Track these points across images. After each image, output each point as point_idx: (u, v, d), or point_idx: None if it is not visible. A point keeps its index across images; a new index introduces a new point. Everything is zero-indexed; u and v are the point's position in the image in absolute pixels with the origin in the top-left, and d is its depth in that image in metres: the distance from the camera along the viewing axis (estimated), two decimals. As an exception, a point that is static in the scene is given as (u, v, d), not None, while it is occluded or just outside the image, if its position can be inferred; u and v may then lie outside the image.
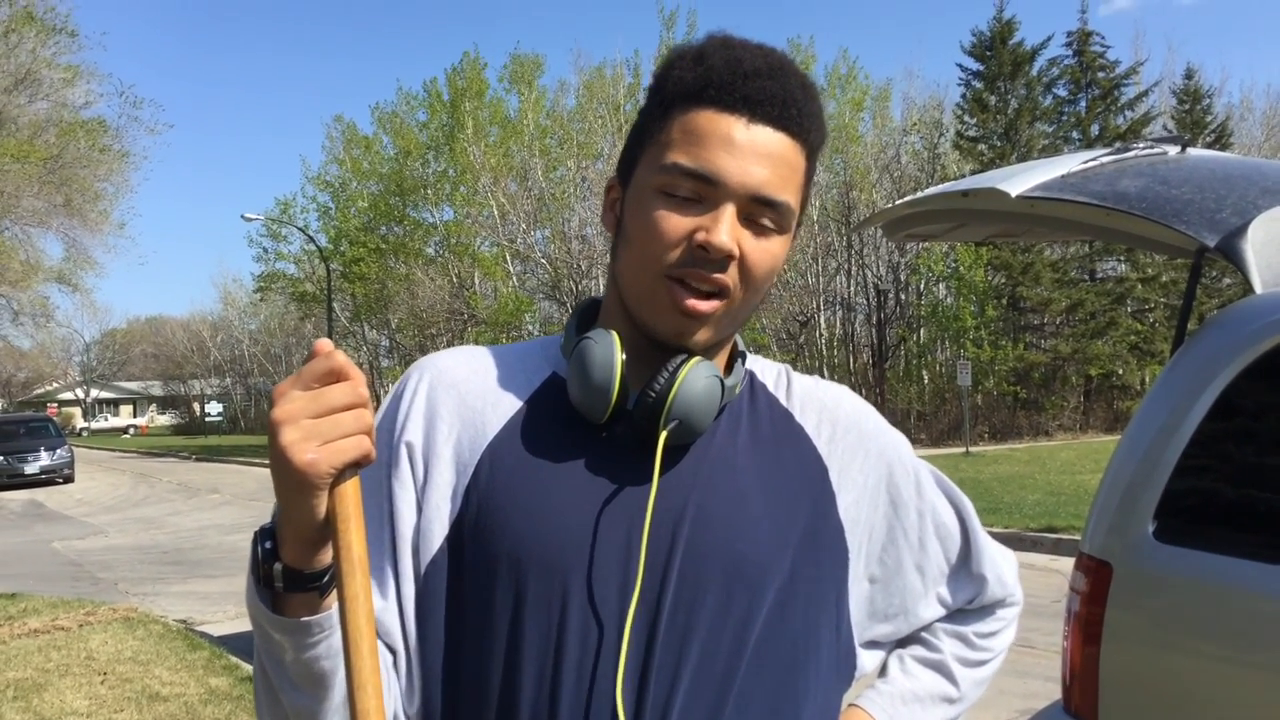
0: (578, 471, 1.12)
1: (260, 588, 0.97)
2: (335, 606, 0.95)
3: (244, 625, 9.07)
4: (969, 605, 1.34)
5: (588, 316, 1.25)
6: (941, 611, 1.31)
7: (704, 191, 1.08)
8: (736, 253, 1.08)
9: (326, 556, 0.94)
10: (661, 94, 1.14)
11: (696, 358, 1.12)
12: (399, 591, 1.11)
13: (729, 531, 1.11)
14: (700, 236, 1.07)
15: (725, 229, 1.07)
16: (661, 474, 1.11)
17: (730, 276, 1.09)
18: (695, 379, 1.10)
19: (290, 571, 0.94)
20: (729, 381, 1.16)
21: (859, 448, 1.23)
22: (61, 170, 25.71)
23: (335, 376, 0.89)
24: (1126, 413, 27.93)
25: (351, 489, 0.91)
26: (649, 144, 1.14)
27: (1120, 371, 29.48)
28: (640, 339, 1.15)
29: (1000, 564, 1.35)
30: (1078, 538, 2.78)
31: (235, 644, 8.13)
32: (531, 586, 1.08)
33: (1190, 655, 2.64)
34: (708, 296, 1.10)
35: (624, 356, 1.11)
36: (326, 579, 0.95)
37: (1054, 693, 2.97)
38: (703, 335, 1.12)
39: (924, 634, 1.33)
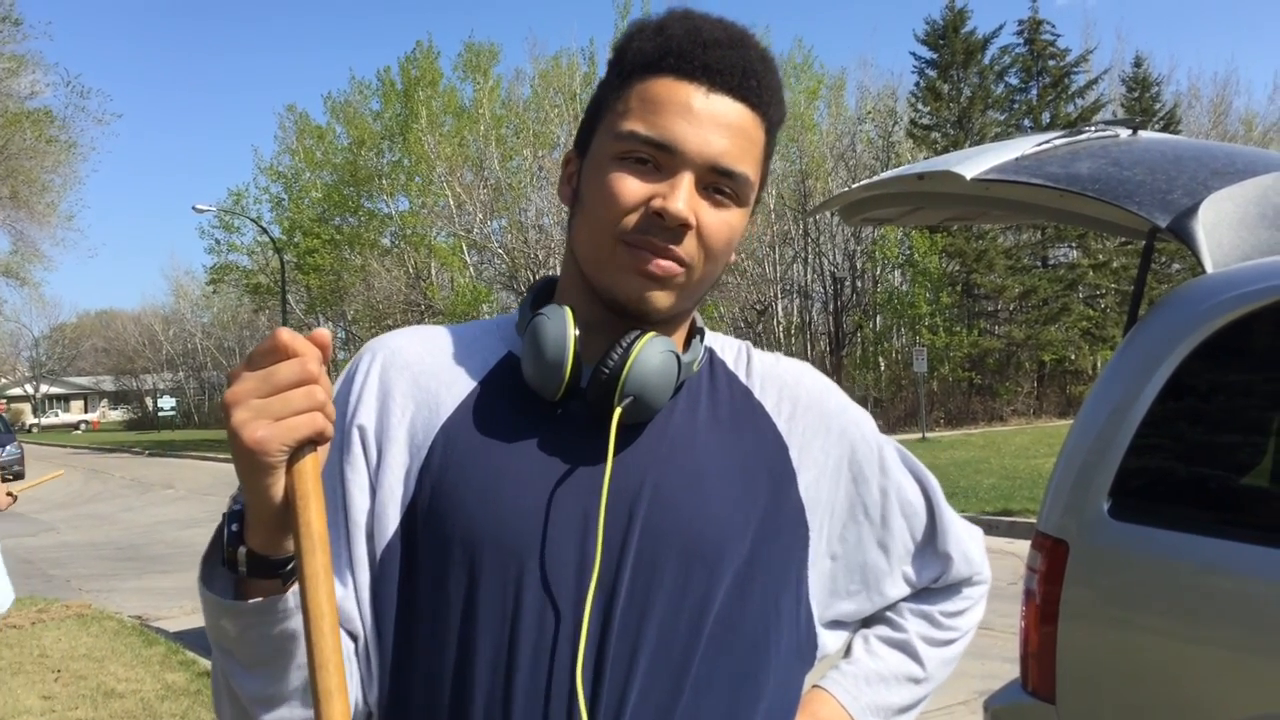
0: (533, 451, 1.10)
1: (221, 570, 0.95)
2: (296, 588, 0.93)
3: (200, 621, 8.90)
4: (935, 584, 1.32)
5: (543, 294, 1.22)
6: (907, 590, 1.30)
7: (662, 159, 1.07)
8: (693, 221, 1.07)
9: (291, 543, 0.92)
10: (621, 64, 1.13)
11: (651, 333, 1.10)
12: (354, 578, 1.09)
13: (687, 510, 1.09)
14: (657, 204, 1.06)
15: (682, 197, 1.06)
16: (618, 452, 1.09)
17: (687, 248, 1.08)
18: (650, 354, 1.08)
19: (255, 557, 0.93)
20: (686, 358, 1.14)
21: (820, 426, 1.21)
22: (6, 162, 25.29)
23: (283, 354, 0.88)
24: (1079, 397, 28.29)
25: (310, 466, 0.89)
26: (607, 113, 1.12)
27: (1073, 357, 29.89)
28: (597, 311, 1.13)
29: (966, 542, 1.33)
30: (1033, 520, 2.81)
31: (191, 639, 8.03)
32: (486, 568, 1.06)
33: (1146, 631, 2.67)
34: (667, 261, 1.08)
35: (577, 332, 1.09)
36: (290, 566, 0.93)
37: (1013, 673, 3.00)
38: (663, 300, 1.10)
39: (889, 614, 1.32)
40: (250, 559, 0.93)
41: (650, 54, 1.10)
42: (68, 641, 7.74)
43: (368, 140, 38.06)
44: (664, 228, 1.06)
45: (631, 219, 1.07)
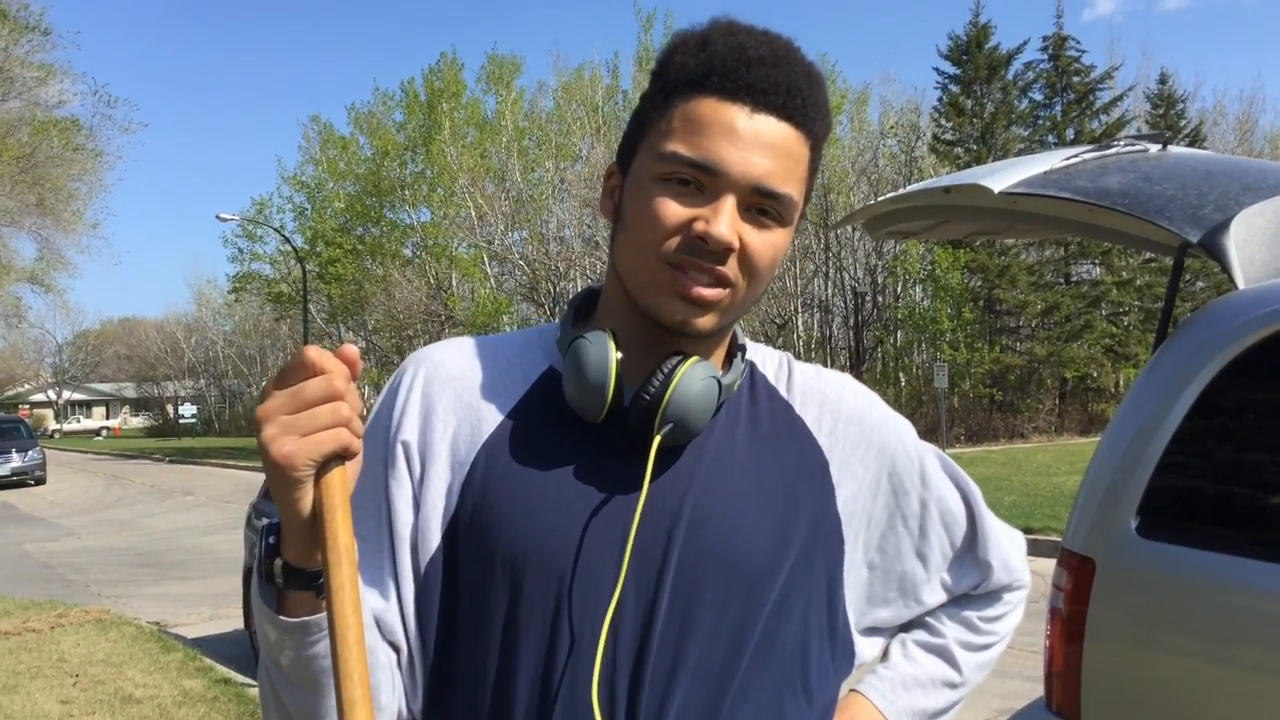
0: (574, 471, 1.11)
1: (264, 584, 0.97)
2: None
3: (218, 628, 9.01)
4: (974, 590, 1.32)
5: (586, 308, 1.23)
6: (945, 597, 1.30)
7: (704, 181, 1.06)
8: (736, 245, 1.06)
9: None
10: (664, 80, 1.12)
11: (694, 358, 1.10)
12: (399, 591, 1.11)
13: (726, 531, 1.10)
14: (699, 227, 1.05)
15: (725, 220, 1.05)
16: (657, 474, 1.10)
17: (730, 268, 1.07)
18: (691, 381, 1.08)
19: (290, 569, 0.95)
20: (727, 379, 1.14)
21: (861, 440, 1.21)
22: (34, 169, 25.51)
23: (311, 371, 0.90)
24: (1102, 415, 28.14)
25: (337, 480, 0.92)
26: (650, 131, 1.11)
27: (1095, 374, 29.70)
28: (639, 329, 1.13)
29: (1007, 548, 1.33)
30: (1055, 538, 2.79)
31: (209, 646, 8.06)
32: (527, 586, 1.07)
33: (1173, 652, 2.63)
34: (710, 285, 1.08)
35: (619, 355, 1.09)
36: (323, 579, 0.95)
37: (1033, 692, 2.96)
38: (705, 321, 1.09)
39: (927, 618, 1.32)
40: (286, 570, 0.96)
41: (694, 71, 1.08)
42: (86, 646, 7.77)
43: (391, 151, 38.27)
44: (707, 251, 1.06)
45: (674, 241, 1.07)
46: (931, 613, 1.31)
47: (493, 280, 35.33)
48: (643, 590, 1.07)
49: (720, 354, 1.19)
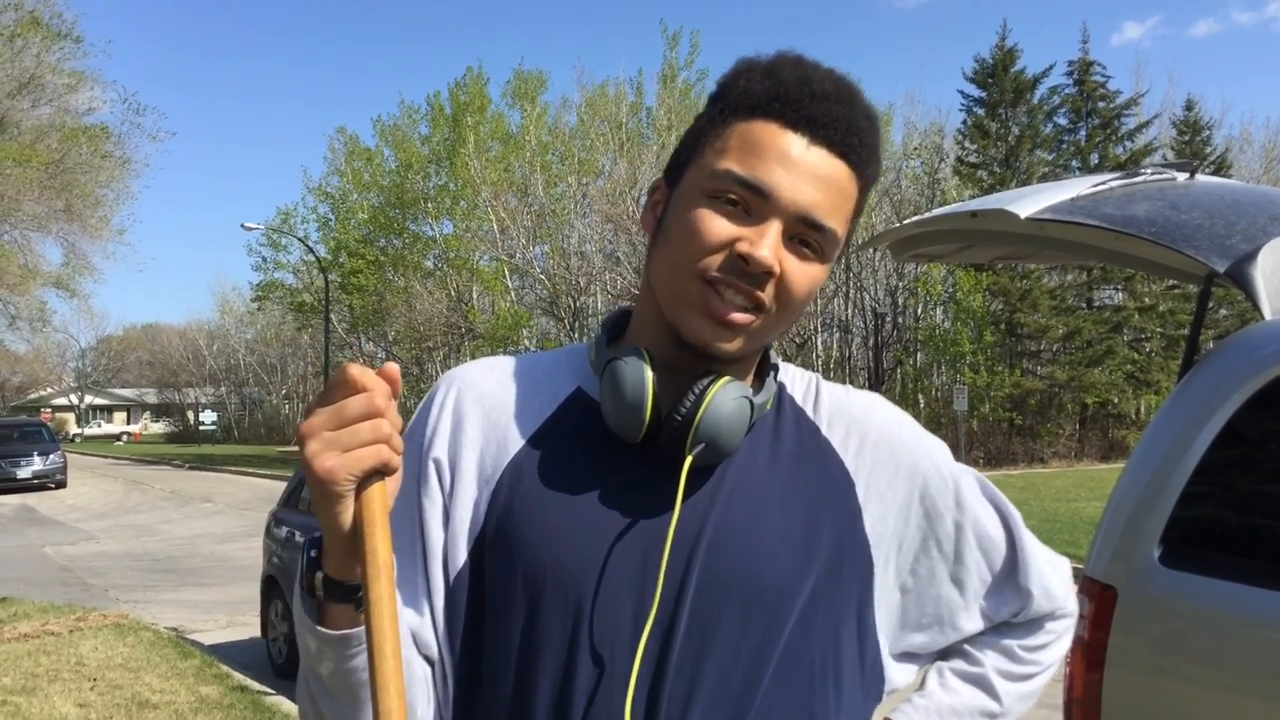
0: (599, 490, 1.12)
1: (305, 596, 0.99)
2: None
3: (235, 634, 9.03)
4: (1014, 618, 1.29)
5: (619, 327, 1.23)
6: (983, 624, 1.27)
7: (753, 203, 1.06)
8: (777, 270, 1.06)
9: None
10: (724, 101, 1.12)
11: (725, 378, 1.10)
12: (431, 604, 1.12)
13: (747, 553, 1.09)
14: (742, 247, 1.05)
15: (769, 244, 1.05)
16: (686, 497, 1.10)
17: (766, 294, 1.08)
18: (723, 401, 1.08)
19: (330, 581, 0.97)
20: (759, 399, 1.14)
21: (890, 461, 1.19)
22: (63, 175, 25.71)
23: (353, 389, 0.92)
24: (1122, 441, 27.96)
25: (377, 495, 0.93)
26: (704, 148, 1.11)
27: (1116, 400, 29.51)
28: (671, 349, 1.13)
29: (1049, 576, 1.29)
30: (1074, 565, 2.76)
31: (226, 653, 8.08)
32: (546, 606, 1.08)
33: (1194, 682, 2.62)
34: (743, 309, 1.08)
35: (653, 375, 1.09)
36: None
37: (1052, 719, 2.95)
38: (732, 346, 1.10)
39: (965, 646, 1.28)
40: (326, 583, 0.97)
41: (757, 96, 1.09)
42: (104, 650, 7.81)
43: (415, 164, 38.44)
44: (747, 272, 1.06)
45: (715, 259, 1.07)
46: (970, 641, 1.28)
47: (513, 294, 35.40)
48: (662, 610, 1.06)
49: (751, 374, 1.19)
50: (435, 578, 1.12)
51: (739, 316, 1.08)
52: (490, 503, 1.12)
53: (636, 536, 1.09)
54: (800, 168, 1.06)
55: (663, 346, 1.14)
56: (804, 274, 1.09)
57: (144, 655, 7.67)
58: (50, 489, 28.30)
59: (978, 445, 28.22)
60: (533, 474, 1.13)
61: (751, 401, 1.11)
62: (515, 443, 1.15)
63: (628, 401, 1.09)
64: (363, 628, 0.96)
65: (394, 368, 0.95)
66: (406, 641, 1.08)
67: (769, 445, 1.17)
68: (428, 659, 1.12)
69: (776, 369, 1.20)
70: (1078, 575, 2.90)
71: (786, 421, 1.19)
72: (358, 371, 0.93)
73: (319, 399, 0.94)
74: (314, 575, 0.98)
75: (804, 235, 1.08)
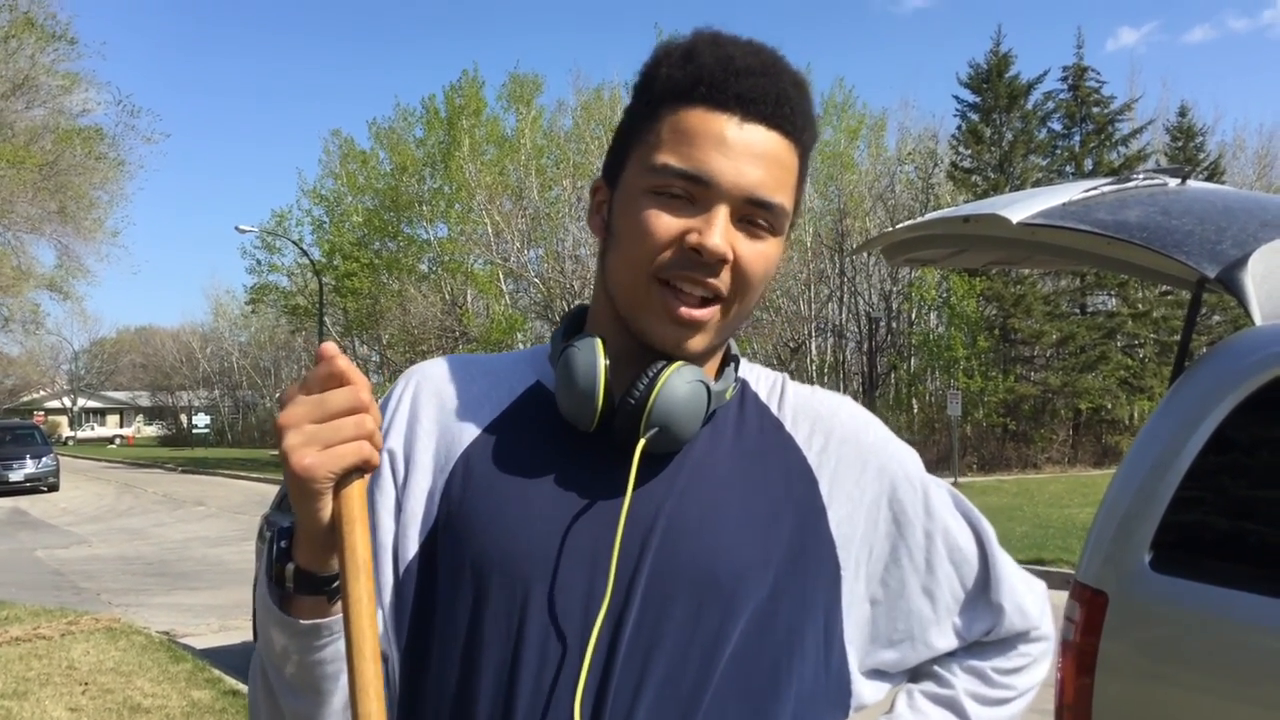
0: (552, 478, 1.10)
1: (272, 587, 0.97)
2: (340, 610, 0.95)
3: (227, 639, 9.01)
4: (987, 637, 1.24)
5: (575, 324, 1.21)
6: (956, 642, 1.22)
7: (696, 192, 1.05)
8: (730, 256, 1.05)
9: (336, 561, 0.94)
10: (649, 92, 1.11)
11: (679, 362, 1.08)
12: (381, 599, 1.10)
13: (701, 544, 1.07)
14: (693, 239, 1.04)
15: (719, 231, 1.04)
16: (640, 482, 1.07)
17: (723, 280, 1.06)
18: (677, 384, 1.06)
19: (302, 573, 0.96)
20: (717, 387, 1.11)
21: (856, 460, 1.16)
22: (56, 177, 25.67)
23: (338, 381, 0.90)
24: (1115, 447, 27.99)
25: (357, 493, 0.92)
26: (637, 144, 1.10)
27: (1110, 406, 29.56)
28: (628, 342, 1.11)
29: (1022, 593, 1.25)
30: (1066, 570, 2.78)
31: (218, 657, 8.06)
32: (492, 595, 1.05)
33: (1185, 687, 2.63)
34: (702, 302, 1.07)
35: (608, 362, 1.08)
36: (335, 584, 0.95)
37: (1045, 723, 2.95)
38: (697, 342, 1.09)
39: (936, 668, 1.24)
40: (297, 575, 0.96)
41: (681, 83, 1.07)
42: (96, 654, 7.79)
43: (410, 166, 38.39)
44: (701, 263, 1.05)
45: (667, 255, 1.06)
46: (941, 662, 1.23)
47: (508, 297, 35.37)
48: (613, 602, 1.04)
49: (714, 365, 1.17)
50: (384, 571, 1.11)
51: (700, 312, 1.07)
52: (444, 493, 1.11)
53: (588, 524, 1.07)
54: (737, 148, 1.05)
55: (620, 341, 1.12)
56: (758, 254, 1.08)
57: (136, 659, 7.65)
58: (42, 492, 28.25)
59: (971, 451, 28.25)
60: (485, 463, 1.11)
61: (708, 386, 1.09)
62: (470, 433, 1.14)
63: (580, 388, 1.08)
64: (332, 618, 0.96)
65: (329, 346, 0.92)
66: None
67: (730, 438, 1.15)
68: (384, 654, 1.10)
69: (738, 361, 1.19)
70: (1070, 581, 2.90)
71: (749, 416, 1.17)
72: (345, 363, 0.90)
73: (300, 386, 0.91)
74: (284, 566, 0.96)
75: (753, 215, 1.07)
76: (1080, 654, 2.69)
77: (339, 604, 0.95)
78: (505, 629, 1.04)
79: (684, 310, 1.06)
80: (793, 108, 1.08)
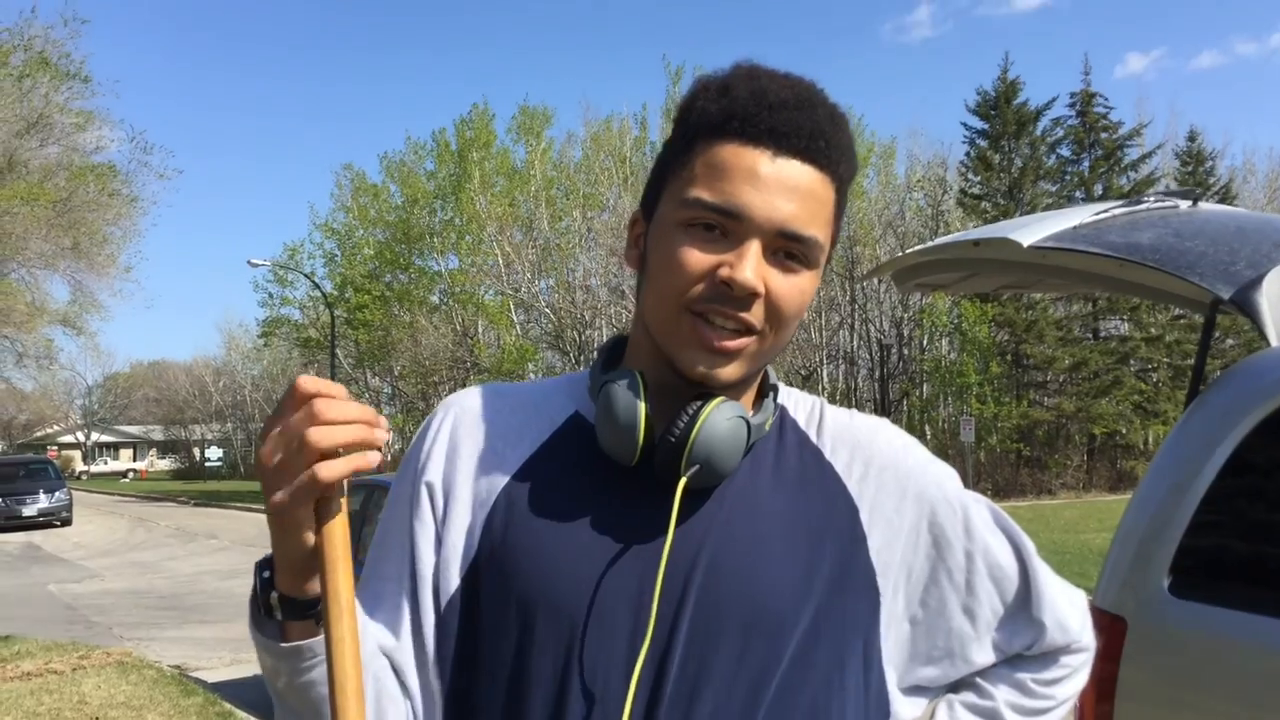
0: (594, 515, 1.10)
1: (261, 616, 0.99)
2: None
3: (239, 672, 8.97)
4: (1027, 651, 1.25)
5: (614, 355, 1.22)
6: (995, 657, 1.23)
7: (729, 226, 1.05)
8: (761, 290, 1.05)
9: (317, 585, 0.95)
10: (685, 126, 1.11)
11: (720, 398, 1.08)
12: (417, 628, 1.11)
13: (745, 579, 1.07)
14: (724, 273, 1.04)
15: (750, 266, 1.03)
16: (681, 519, 1.07)
17: (756, 314, 1.06)
18: (718, 420, 1.06)
19: (286, 600, 0.97)
20: (756, 420, 1.12)
21: (895, 486, 1.16)
22: (70, 214, 25.80)
23: (295, 405, 0.90)
24: (1130, 472, 27.84)
25: (339, 532, 0.92)
26: (672, 178, 1.10)
27: (1124, 431, 29.44)
28: (667, 375, 1.11)
29: (1064, 607, 1.25)
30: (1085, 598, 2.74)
31: (230, 691, 8.02)
32: (539, 632, 1.05)
33: (1205, 713, 2.59)
34: (734, 334, 1.07)
35: (647, 397, 1.08)
36: (320, 606, 0.96)
37: (1065, 752, 2.90)
38: (730, 372, 1.08)
39: (976, 679, 1.24)
40: (283, 602, 0.97)
41: (715, 116, 1.07)
42: (107, 689, 7.75)
43: (421, 199, 38.65)
44: (732, 297, 1.05)
45: (698, 289, 1.05)
46: (981, 673, 1.24)
47: (519, 328, 35.48)
48: (656, 639, 1.04)
49: (750, 396, 1.18)
50: (424, 602, 1.11)
51: (731, 343, 1.06)
52: (485, 528, 1.11)
53: (631, 561, 1.07)
54: (770, 182, 1.04)
55: (658, 374, 1.12)
56: (792, 287, 1.07)
57: (147, 694, 7.62)
58: (56, 526, 28.27)
59: (985, 477, 28.12)
60: (527, 499, 1.11)
61: (748, 421, 1.09)
62: (511, 467, 1.14)
63: (621, 423, 1.08)
64: (315, 640, 0.97)
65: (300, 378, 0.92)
66: (383, 663, 1.08)
67: (770, 469, 1.14)
68: (404, 685, 1.10)
69: (776, 390, 1.18)
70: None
71: (789, 445, 1.17)
72: (304, 382, 0.90)
73: (271, 421, 0.92)
74: (269, 595, 0.98)
75: (786, 248, 1.06)
76: (1099, 681, 2.65)
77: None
78: (552, 666, 1.05)
79: (715, 340, 1.06)
80: (828, 141, 1.07)
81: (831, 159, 1.08)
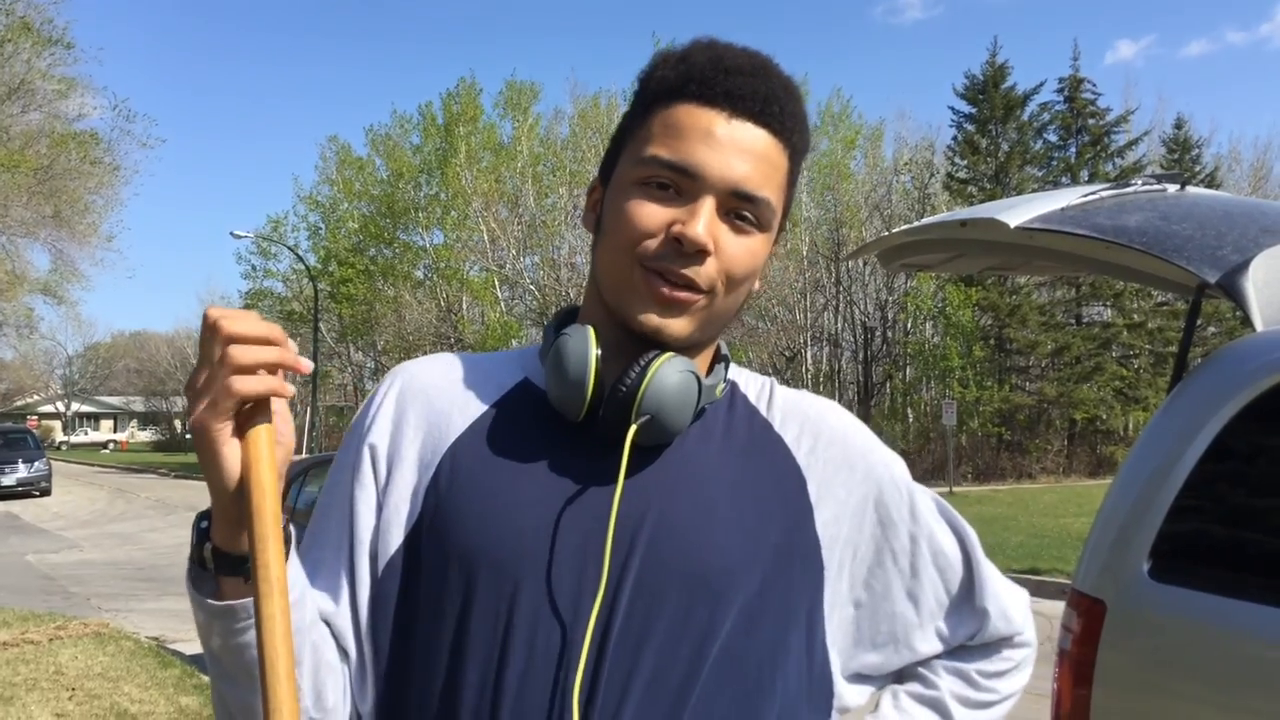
0: (541, 471, 1.10)
1: (198, 570, 0.99)
2: None
3: (217, 644, 8.96)
4: (971, 641, 1.25)
5: (567, 321, 1.22)
6: (939, 646, 1.23)
7: (683, 184, 1.07)
8: (712, 246, 1.06)
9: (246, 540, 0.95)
10: (644, 93, 1.13)
11: (670, 353, 1.09)
12: (354, 594, 1.11)
13: (691, 540, 1.07)
14: (676, 229, 1.05)
15: (702, 222, 1.05)
16: (629, 475, 1.07)
17: (707, 272, 1.07)
18: (669, 372, 1.07)
19: (219, 553, 0.97)
20: (708, 382, 1.13)
21: (843, 463, 1.17)
22: (51, 181, 25.62)
23: (207, 330, 0.92)
24: (1110, 458, 28.01)
25: (263, 446, 0.92)
26: (630, 141, 1.13)
27: (1105, 416, 29.57)
28: (619, 334, 1.11)
29: (1005, 599, 1.26)
30: (1062, 580, 2.74)
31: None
32: (480, 588, 1.05)
33: (1183, 698, 2.59)
34: (686, 288, 1.07)
35: (599, 352, 1.09)
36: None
37: (1041, 734, 2.91)
38: (680, 325, 1.09)
39: (921, 670, 1.25)
40: (216, 555, 0.97)
41: (673, 81, 1.10)
42: (84, 660, 7.73)
43: (406, 173, 38.44)
44: (683, 253, 1.06)
45: (651, 244, 1.07)
46: (926, 664, 1.25)
47: (503, 304, 35.39)
48: (604, 595, 1.04)
49: (704, 362, 1.18)
50: (361, 567, 1.11)
51: (683, 294, 1.07)
52: (429, 488, 1.11)
53: (579, 516, 1.07)
54: (724, 142, 1.07)
55: (610, 334, 1.12)
56: (743, 247, 1.09)
57: (124, 665, 7.60)
58: (35, 496, 28.18)
59: (966, 460, 28.25)
60: (472, 456, 1.11)
61: (699, 378, 1.10)
62: (456, 428, 1.14)
63: (571, 375, 1.08)
64: (249, 600, 0.96)
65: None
66: (321, 629, 1.08)
67: (720, 436, 1.15)
68: (343, 650, 1.10)
69: (728, 362, 1.19)
70: (1067, 590, 2.87)
71: (739, 416, 1.18)
72: (211, 312, 0.92)
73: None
74: (203, 547, 0.98)
75: (739, 209, 1.08)
76: (1078, 664, 2.65)
77: None
78: (493, 620, 1.04)
79: (665, 290, 1.07)
80: (781, 107, 1.10)
81: (785, 126, 1.10)
